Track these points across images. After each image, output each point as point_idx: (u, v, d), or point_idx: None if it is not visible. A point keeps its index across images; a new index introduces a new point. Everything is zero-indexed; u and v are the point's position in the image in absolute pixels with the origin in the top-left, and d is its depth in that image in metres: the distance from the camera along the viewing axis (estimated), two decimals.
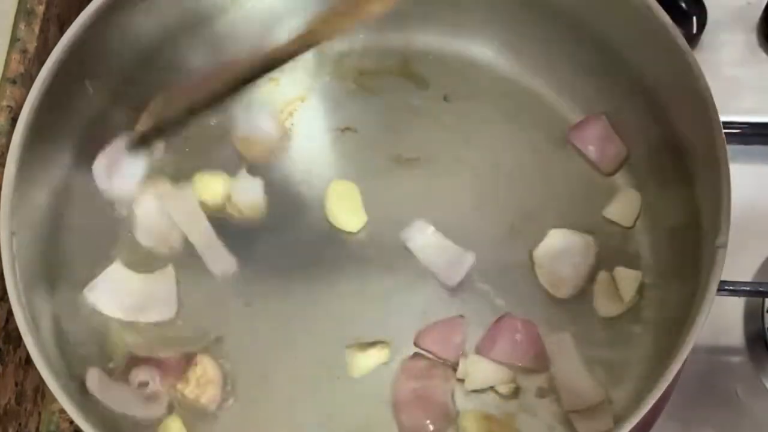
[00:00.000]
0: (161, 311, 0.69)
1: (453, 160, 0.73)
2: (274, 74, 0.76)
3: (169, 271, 0.70)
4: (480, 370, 0.66)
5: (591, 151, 0.72)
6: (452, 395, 0.66)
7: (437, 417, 0.65)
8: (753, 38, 0.81)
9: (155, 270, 0.70)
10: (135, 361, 0.67)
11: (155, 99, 0.65)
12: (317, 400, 0.67)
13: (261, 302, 0.70)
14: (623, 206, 0.70)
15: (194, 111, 0.63)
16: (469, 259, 0.69)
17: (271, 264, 0.71)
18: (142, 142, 0.68)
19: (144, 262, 0.70)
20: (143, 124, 0.66)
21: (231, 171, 0.72)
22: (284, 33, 0.60)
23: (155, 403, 0.66)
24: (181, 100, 0.63)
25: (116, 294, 0.69)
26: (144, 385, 0.66)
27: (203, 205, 0.71)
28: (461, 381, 0.66)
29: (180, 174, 0.72)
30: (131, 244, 0.71)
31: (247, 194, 0.72)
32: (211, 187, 0.72)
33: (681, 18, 0.78)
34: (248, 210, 0.72)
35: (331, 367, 0.67)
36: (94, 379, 0.65)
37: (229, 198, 0.72)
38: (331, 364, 0.67)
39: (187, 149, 0.73)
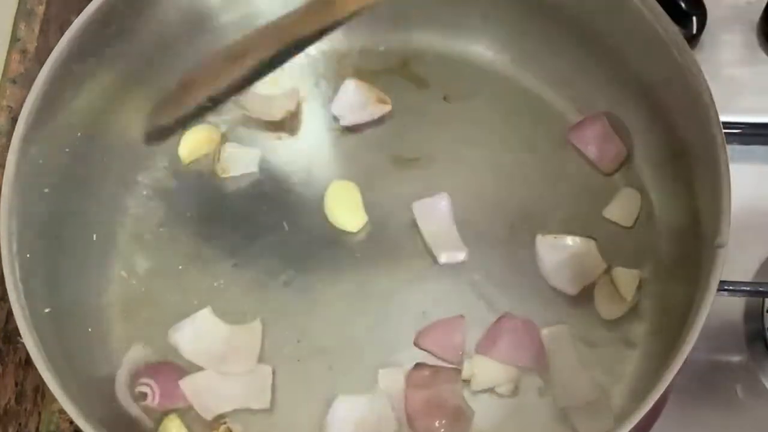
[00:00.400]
0: (241, 363, 0.67)
1: (453, 160, 0.73)
2: (273, 74, 0.77)
3: (257, 325, 0.69)
4: (485, 371, 0.66)
5: (590, 151, 0.72)
6: (463, 395, 0.66)
7: (452, 421, 0.64)
8: (753, 38, 0.81)
9: (243, 322, 0.69)
10: (144, 370, 0.67)
11: (174, 91, 0.62)
12: (314, 397, 0.67)
13: (260, 301, 0.70)
14: (623, 206, 0.70)
15: (215, 100, 0.60)
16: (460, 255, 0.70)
17: (271, 264, 0.71)
18: (162, 136, 0.64)
19: (233, 311, 0.69)
20: (163, 117, 0.63)
21: None
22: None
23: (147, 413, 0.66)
24: (201, 90, 0.60)
25: (200, 340, 0.68)
26: (142, 396, 0.66)
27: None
28: (466, 381, 0.66)
29: None
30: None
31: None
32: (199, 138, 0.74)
33: (681, 18, 0.78)
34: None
35: (331, 366, 0.67)
36: (136, 355, 0.67)
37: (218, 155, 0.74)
38: (331, 364, 0.68)
39: None
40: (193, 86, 0.61)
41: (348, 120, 0.75)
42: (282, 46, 0.57)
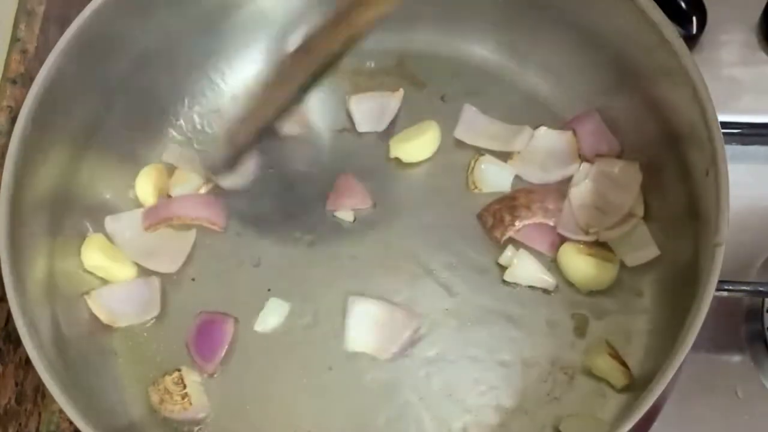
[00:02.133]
0: (167, 265, 0.71)
1: (451, 160, 0.73)
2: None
3: (192, 234, 0.72)
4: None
5: (584, 147, 0.72)
6: None
7: None
8: (753, 38, 0.81)
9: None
10: None
11: (230, 127, 0.66)
12: (307, 394, 0.67)
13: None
14: None
15: (266, 126, 0.64)
16: None
17: (270, 264, 0.71)
18: (226, 167, 0.69)
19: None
20: (224, 150, 0.67)
21: None
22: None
23: None
24: (252, 121, 0.64)
25: (133, 234, 0.71)
26: None
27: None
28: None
29: None
30: None
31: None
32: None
33: (681, 18, 0.78)
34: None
35: (330, 365, 0.68)
36: None
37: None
38: (329, 362, 0.68)
39: None
40: (244, 121, 0.65)
41: (381, 125, 0.75)
42: (312, 70, 0.59)
